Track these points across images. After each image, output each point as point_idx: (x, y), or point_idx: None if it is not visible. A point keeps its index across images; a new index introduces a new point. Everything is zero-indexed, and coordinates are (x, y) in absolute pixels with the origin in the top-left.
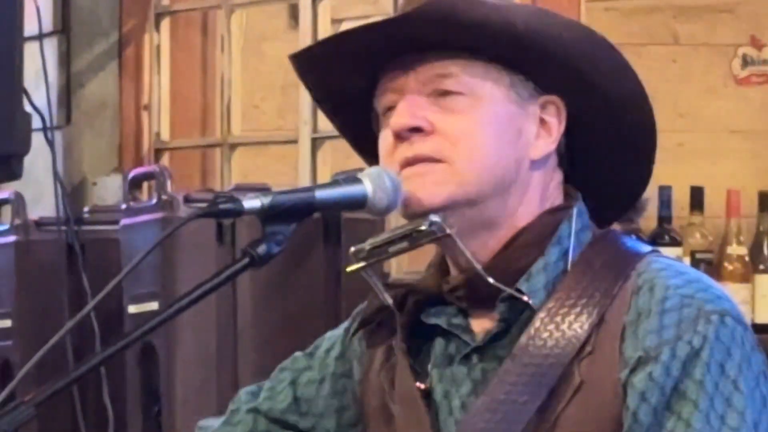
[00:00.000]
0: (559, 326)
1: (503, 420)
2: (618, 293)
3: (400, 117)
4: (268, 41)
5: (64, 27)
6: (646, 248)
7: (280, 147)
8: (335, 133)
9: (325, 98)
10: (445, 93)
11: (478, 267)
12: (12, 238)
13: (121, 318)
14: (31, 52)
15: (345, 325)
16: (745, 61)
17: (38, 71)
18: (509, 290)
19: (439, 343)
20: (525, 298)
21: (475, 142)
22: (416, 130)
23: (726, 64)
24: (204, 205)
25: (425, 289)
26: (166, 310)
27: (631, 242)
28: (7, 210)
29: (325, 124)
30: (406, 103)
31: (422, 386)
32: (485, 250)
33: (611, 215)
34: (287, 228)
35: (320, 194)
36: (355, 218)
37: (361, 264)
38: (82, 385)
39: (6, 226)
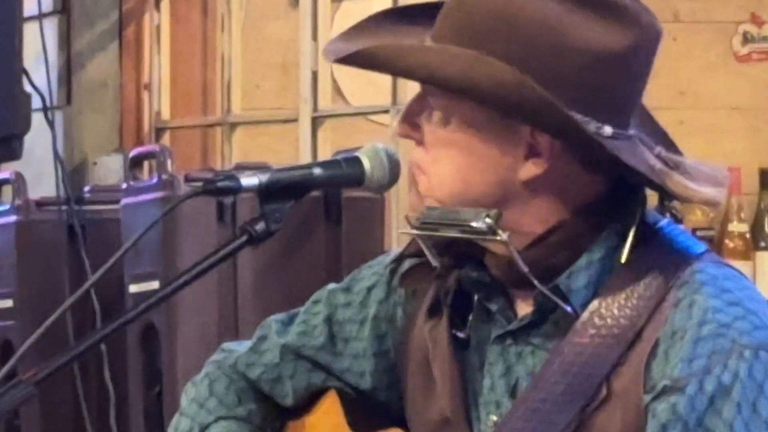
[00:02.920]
0: (602, 328)
1: (536, 428)
2: (660, 302)
3: (399, 122)
4: (269, 20)
5: (64, 7)
6: (699, 249)
7: (280, 126)
8: (335, 111)
9: None
10: (431, 106)
11: (526, 269)
12: (12, 219)
13: (122, 297)
14: (31, 32)
15: (386, 261)
16: (746, 39)
17: (38, 51)
18: (549, 294)
19: (478, 312)
20: (565, 306)
21: (440, 164)
22: (409, 137)
23: (726, 41)
24: (203, 183)
25: (465, 250)
26: (165, 287)
27: (683, 241)
28: (8, 190)
29: (326, 103)
30: (409, 106)
31: (461, 335)
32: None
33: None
34: (286, 205)
35: (318, 171)
36: (356, 196)
37: (413, 232)
38: (83, 365)
39: (6, 207)
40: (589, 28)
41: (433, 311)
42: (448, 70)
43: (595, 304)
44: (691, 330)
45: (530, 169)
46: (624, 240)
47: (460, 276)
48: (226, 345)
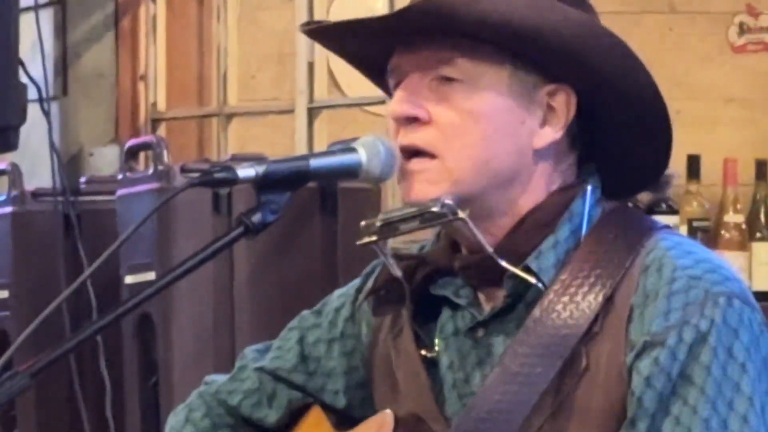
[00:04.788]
0: (573, 299)
1: (518, 391)
2: (627, 271)
3: (399, 104)
4: (265, 11)
5: None
6: (658, 224)
7: (276, 117)
8: (332, 102)
9: (343, 57)
10: (446, 79)
11: (490, 250)
12: (9, 209)
13: (117, 289)
14: (27, 23)
15: (355, 283)
16: (742, 29)
17: (34, 42)
18: (517, 272)
19: (445, 314)
20: (532, 280)
21: (468, 138)
22: (413, 119)
23: (722, 32)
24: (200, 174)
25: (435, 262)
26: (161, 278)
27: (642, 218)
28: (4, 181)
29: (322, 94)
30: (406, 89)
31: (428, 354)
32: (492, 234)
33: (634, 189)
34: (282, 197)
35: (315, 163)
36: (352, 187)
37: (373, 238)
38: (79, 356)
39: (3, 197)
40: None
41: (395, 323)
42: (525, 15)
43: (561, 278)
44: (663, 288)
45: (547, 136)
46: (589, 218)
47: (429, 280)
48: (210, 377)
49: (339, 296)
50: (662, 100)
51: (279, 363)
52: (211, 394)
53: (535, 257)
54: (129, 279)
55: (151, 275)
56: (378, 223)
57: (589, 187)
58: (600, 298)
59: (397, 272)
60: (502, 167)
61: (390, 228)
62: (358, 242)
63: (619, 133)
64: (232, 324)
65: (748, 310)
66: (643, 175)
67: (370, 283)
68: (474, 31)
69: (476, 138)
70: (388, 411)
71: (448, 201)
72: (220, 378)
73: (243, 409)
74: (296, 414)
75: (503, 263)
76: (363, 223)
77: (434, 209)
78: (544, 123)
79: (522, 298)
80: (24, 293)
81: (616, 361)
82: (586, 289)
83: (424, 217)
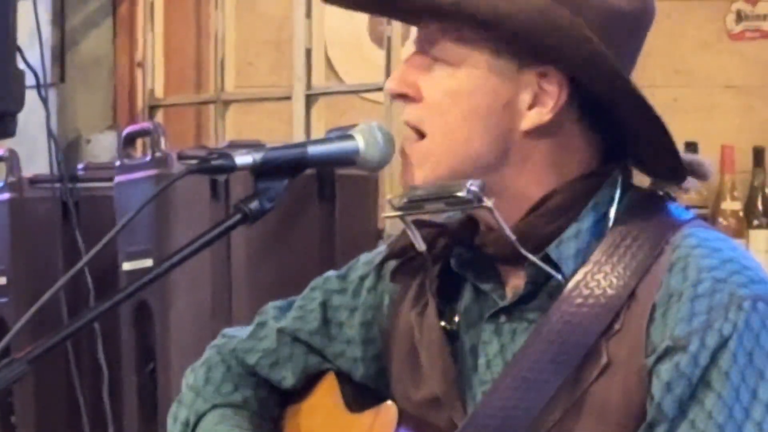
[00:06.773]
0: (594, 292)
1: (524, 398)
2: (651, 267)
3: (391, 81)
4: None
5: None
6: (686, 215)
7: (274, 103)
8: (329, 89)
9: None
10: (435, 59)
11: (513, 238)
12: (6, 196)
13: (115, 275)
14: (24, 9)
15: (382, 251)
16: (740, 17)
17: (32, 28)
18: (539, 262)
19: (468, 295)
20: (554, 272)
21: (448, 117)
22: (404, 96)
23: (720, 19)
24: (197, 161)
25: (457, 233)
26: (159, 266)
27: (671, 209)
28: (2, 167)
29: (319, 81)
30: (401, 66)
31: (449, 327)
32: (506, 217)
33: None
34: (280, 184)
35: (312, 150)
36: (350, 174)
37: (398, 213)
38: (76, 343)
39: (0, 184)
40: None
41: (419, 298)
42: (476, 1)
43: (583, 271)
44: (687, 290)
45: (533, 118)
46: (615, 208)
47: (452, 256)
48: (228, 330)
49: (365, 263)
50: (626, 82)
51: (300, 324)
52: (229, 351)
53: (555, 246)
54: (126, 266)
55: (148, 262)
56: (404, 199)
57: (615, 175)
58: (622, 294)
59: (422, 246)
60: (483, 148)
61: (415, 205)
62: (384, 215)
63: (619, 117)
64: (230, 311)
65: None
66: (659, 161)
67: (392, 262)
68: (436, 16)
69: (456, 117)
70: (393, 408)
71: (474, 188)
72: (237, 333)
73: (260, 369)
74: (312, 380)
75: (525, 252)
76: (389, 197)
77: (459, 194)
78: (533, 105)
79: (543, 286)
80: (21, 280)
81: (636, 361)
82: (608, 283)
83: (449, 200)
